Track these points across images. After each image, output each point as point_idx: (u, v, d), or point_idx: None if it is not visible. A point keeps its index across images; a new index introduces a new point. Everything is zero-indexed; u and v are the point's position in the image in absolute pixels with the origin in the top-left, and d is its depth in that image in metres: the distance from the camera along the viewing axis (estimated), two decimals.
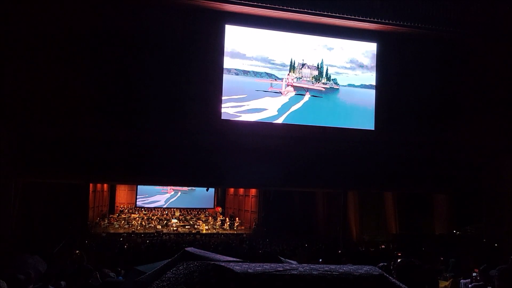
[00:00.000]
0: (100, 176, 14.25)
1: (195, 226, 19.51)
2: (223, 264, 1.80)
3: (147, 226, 19.17)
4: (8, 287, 4.49)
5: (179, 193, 23.13)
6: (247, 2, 12.11)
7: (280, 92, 13.30)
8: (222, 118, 12.83)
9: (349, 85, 13.91)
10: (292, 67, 13.49)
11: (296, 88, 13.50)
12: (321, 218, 18.39)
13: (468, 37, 13.84)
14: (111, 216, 20.92)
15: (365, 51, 14.01)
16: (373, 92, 13.98)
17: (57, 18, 11.35)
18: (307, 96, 13.57)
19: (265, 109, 13.22)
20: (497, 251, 12.64)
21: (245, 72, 13.14)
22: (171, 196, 23.10)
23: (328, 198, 18.16)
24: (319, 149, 13.55)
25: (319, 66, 13.71)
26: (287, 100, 13.48)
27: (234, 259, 2.66)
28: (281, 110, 13.34)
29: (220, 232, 18.91)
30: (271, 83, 13.22)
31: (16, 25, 11.05)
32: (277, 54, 13.42)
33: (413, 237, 15.78)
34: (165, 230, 18.39)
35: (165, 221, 19.97)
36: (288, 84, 13.42)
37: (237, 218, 20.63)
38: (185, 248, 3.17)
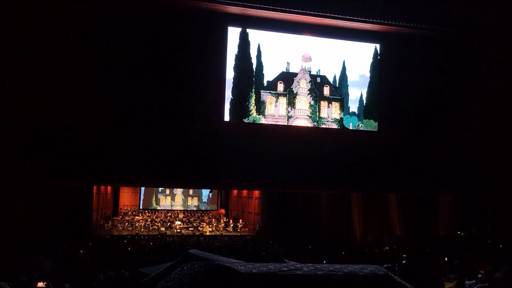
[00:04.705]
0: (103, 178, 14.27)
1: (199, 228, 19.48)
2: (227, 264, 1.79)
3: (151, 228, 19.16)
4: None
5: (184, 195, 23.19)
6: (249, 4, 12.14)
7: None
8: (225, 120, 12.84)
9: (352, 86, 13.90)
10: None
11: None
12: (324, 219, 18.33)
13: (471, 38, 13.81)
14: (114, 218, 20.91)
15: (368, 59, 13.97)
16: (376, 93, 13.96)
17: (61, 19, 11.40)
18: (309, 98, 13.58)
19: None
20: (502, 252, 12.56)
21: (248, 74, 13.16)
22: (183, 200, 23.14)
23: (331, 199, 18.09)
24: (323, 151, 13.53)
25: (319, 71, 13.73)
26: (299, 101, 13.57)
27: (238, 260, 2.65)
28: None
29: (223, 234, 18.87)
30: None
31: (19, 25, 11.09)
32: (280, 56, 13.43)
33: (417, 238, 15.69)
34: (168, 232, 18.37)
35: (168, 223, 19.95)
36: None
37: (240, 220, 20.58)
38: (189, 250, 3.17)
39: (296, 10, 12.47)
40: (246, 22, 12.92)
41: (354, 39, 13.74)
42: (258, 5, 12.23)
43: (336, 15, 12.76)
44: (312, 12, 12.58)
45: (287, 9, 12.42)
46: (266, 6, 12.31)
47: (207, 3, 12.03)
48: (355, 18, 12.90)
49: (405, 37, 13.76)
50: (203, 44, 12.59)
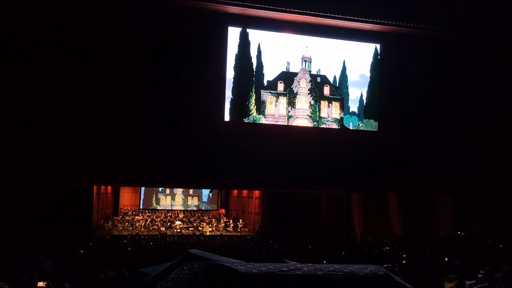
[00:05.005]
0: (103, 178, 14.28)
1: (199, 228, 19.48)
2: (227, 264, 1.79)
3: (151, 228, 19.15)
4: None
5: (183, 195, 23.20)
6: (249, 4, 12.14)
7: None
8: (225, 120, 12.84)
9: (352, 86, 13.90)
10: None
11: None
12: (324, 219, 18.33)
13: (471, 38, 13.81)
14: (115, 218, 20.91)
15: (369, 58, 13.97)
16: (376, 93, 13.96)
17: (62, 19, 11.40)
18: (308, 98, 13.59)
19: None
20: (502, 252, 12.56)
21: (248, 74, 13.16)
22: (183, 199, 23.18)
23: (332, 199, 18.10)
24: (323, 151, 13.53)
25: (319, 71, 13.73)
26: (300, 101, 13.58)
27: (238, 260, 2.65)
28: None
29: (223, 234, 18.87)
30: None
31: (20, 25, 11.09)
32: (280, 56, 13.43)
33: (418, 238, 15.68)
34: (169, 232, 18.37)
35: (168, 223, 19.95)
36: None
37: (240, 220, 20.59)
38: (189, 250, 3.17)
39: (296, 10, 12.47)
40: (246, 22, 12.92)
41: (354, 39, 13.73)
42: (258, 5, 12.23)
43: (336, 15, 12.76)
44: (312, 12, 12.58)
45: (287, 9, 12.42)
46: (266, 6, 12.31)
47: (207, 3, 12.02)
48: (355, 18, 12.90)
49: (405, 37, 13.75)
50: (203, 44, 12.58)
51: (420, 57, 13.93)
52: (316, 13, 12.62)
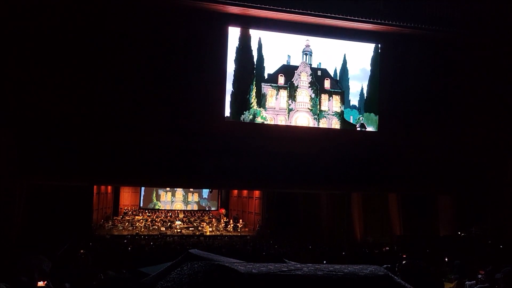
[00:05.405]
0: (104, 178, 14.27)
1: (199, 228, 19.49)
2: (227, 264, 1.79)
3: (151, 228, 19.16)
4: None
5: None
6: (249, 4, 12.14)
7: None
8: (226, 115, 12.83)
9: (352, 79, 13.89)
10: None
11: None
12: (325, 219, 18.33)
13: (471, 38, 13.81)
14: (115, 218, 20.92)
15: (369, 53, 13.97)
16: (377, 87, 13.94)
17: (62, 19, 11.41)
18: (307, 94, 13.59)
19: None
20: (502, 253, 12.55)
21: (249, 67, 13.14)
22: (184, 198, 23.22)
23: (332, 199, 18.10)
24: (323, 151, 13.52)
25: (319, 65, 13.72)
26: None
27: (238, 260, 2.65)
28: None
29: (224, 234, 18.88)
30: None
31: (21, 25, 11.10)
32: (280, 49, 13.41)
33: (418, 238, 15.68)
34: (169, 232, 18.38)
35: (169, 223, 19.96)
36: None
37: (240, 220, 20.59)
38: (189, 250, 3.17)
39: (296, 10, 12.46)
40: (246, 22, 12.90)
41: (354, 39, 13.72)
42: (258, 5, 12.22)
43: (336, 15, 12.76)
44: (312, 12, 12.58)
45: (287, 9, 12.41)
46: (267, 6, 12.31)
47: (207, 3, 12.02)
48: (355, 18, 12.90)
49: (405, 37, 13.75)
50: (204, 44, 12.57)
51: (420, 57, 13.92)
52: (316, 13, 12.62)
